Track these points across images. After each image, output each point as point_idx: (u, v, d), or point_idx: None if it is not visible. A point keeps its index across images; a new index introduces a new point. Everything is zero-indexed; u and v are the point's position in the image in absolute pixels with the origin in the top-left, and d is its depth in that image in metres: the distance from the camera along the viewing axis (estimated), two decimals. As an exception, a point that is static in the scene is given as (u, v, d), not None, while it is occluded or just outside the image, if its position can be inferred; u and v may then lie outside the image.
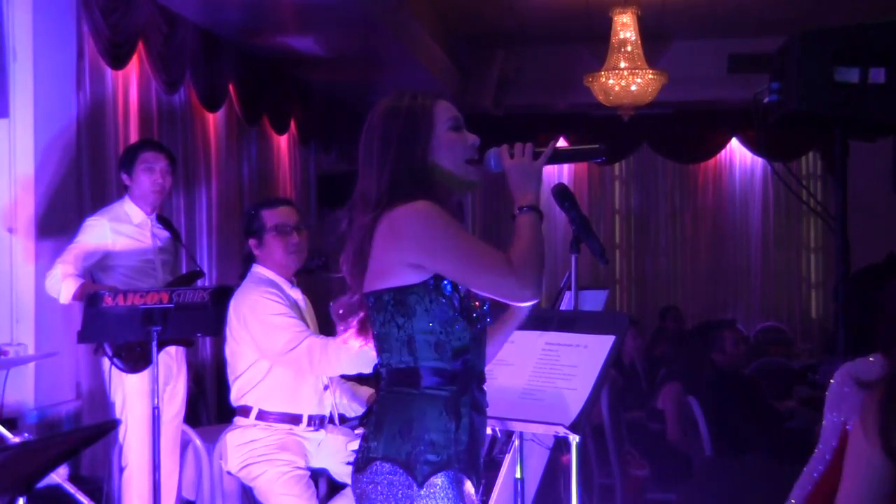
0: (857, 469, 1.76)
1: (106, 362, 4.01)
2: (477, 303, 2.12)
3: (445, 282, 2.05)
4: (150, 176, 4.25)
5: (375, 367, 2.13)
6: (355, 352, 3.40)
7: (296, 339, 3.54)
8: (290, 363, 3.58)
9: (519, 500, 2.85)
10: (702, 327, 6.43)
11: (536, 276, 2.01)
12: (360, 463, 2.05)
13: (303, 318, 3.71)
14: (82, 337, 3.81)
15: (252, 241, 3.78)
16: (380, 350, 2.11)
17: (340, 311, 2.18)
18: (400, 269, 2.03)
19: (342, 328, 2.20)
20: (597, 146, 2.22)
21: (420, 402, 2.03)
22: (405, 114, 2.12)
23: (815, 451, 2.25)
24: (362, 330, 2.18)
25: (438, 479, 2.00)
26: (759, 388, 5.60)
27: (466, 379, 2.07)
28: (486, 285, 2.03)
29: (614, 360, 2.70)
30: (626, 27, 7.56)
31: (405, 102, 2.14)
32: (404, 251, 2.02)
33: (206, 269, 5.89)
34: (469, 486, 2.07)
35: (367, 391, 3.92)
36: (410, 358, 2.04)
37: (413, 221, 2.02)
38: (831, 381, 2.22)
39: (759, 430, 4.89)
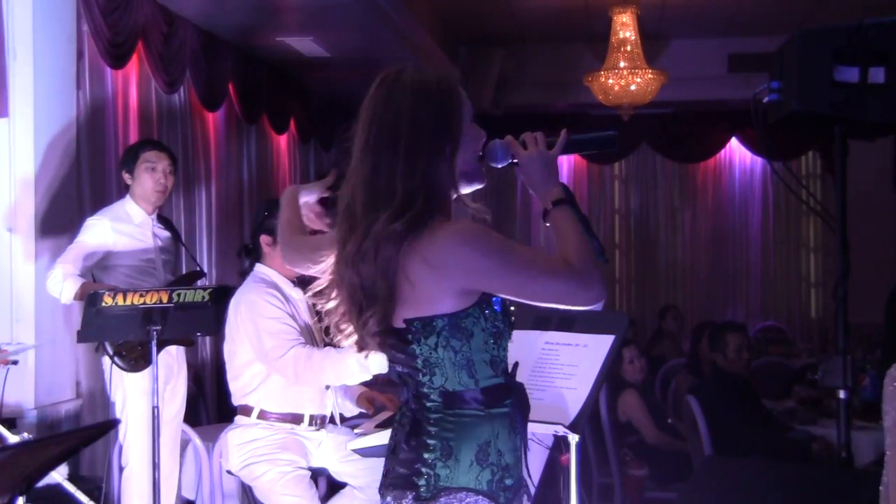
0: None
1: (106, 361, 4.01)
2: (513, 307, 1.96)
3: (495, 297, 1.91)
4: (152, 175, 4.26)
5: (415, 389, 1.94)
6: (338, 364, 3.44)
7: (282, 348, 3.55)
8: (277, 370, 3.60)
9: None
10: (704, 327, 6.43)
11: (599, 271, 1.86)
12: (426, 491, 1.87)
13: (302, 319, 3.71)
14: (82, 336, 3.81)
15: (265, 238, 3.78)
16: (427, 374, 1.91)
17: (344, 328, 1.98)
18: (448, 297, 1.86)
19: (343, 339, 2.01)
20: (611, 132, 2.03)
21: (491, 424, 1.90)
22: (437, 97, 1.89)
23: (888, 444, 2.25)
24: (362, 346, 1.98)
25: None
26: (755, 389, 5.59)
27: (519, 389, 1.97)
28: (552, 297, 1.86)
29: (614, 360, 2.71)
30: (625, 27, 7.56)
31: (433, 80, 1.91)
32: (453, 279, 1.85)
33: (205, 269, 5.89)
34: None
35: (358, 389, 3.92)
36: (471, 380, 1.90)
37: (459, 248, 1.83)
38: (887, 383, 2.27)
39: (758, 431, 4.88)
